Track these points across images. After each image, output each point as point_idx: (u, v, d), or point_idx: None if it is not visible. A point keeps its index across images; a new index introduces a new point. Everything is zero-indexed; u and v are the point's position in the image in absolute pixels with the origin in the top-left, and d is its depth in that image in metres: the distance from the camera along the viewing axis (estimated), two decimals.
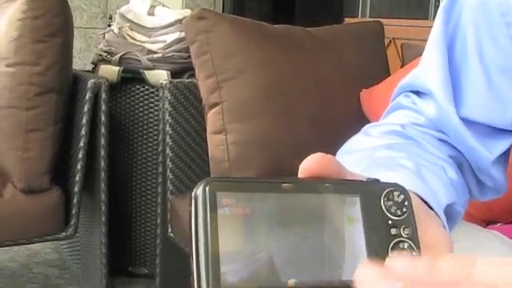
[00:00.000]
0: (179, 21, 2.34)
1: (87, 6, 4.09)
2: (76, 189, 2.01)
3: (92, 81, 2.00)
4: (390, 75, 2.21)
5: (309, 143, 1.86)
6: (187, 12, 2.41)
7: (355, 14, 4.45)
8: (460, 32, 0.68)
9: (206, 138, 1.89)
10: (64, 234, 2.01)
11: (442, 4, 0.70)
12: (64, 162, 2.03)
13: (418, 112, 0.70)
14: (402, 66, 2.58)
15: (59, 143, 1.97)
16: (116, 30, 2.39)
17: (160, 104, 2.02)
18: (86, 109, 1.98)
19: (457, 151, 0.68)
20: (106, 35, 2.44)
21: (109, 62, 2.34)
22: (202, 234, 0.32)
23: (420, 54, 0.73)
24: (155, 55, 2.31)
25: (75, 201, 2.01)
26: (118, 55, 2.32)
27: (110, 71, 2.30)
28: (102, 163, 2.06)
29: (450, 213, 0.59)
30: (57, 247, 2.69)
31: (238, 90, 1.85)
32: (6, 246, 2.02)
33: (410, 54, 2.50)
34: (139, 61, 2.30)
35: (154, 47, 2.34)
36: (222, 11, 4.39)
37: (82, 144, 1.99)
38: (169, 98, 1.96)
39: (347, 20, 3.96)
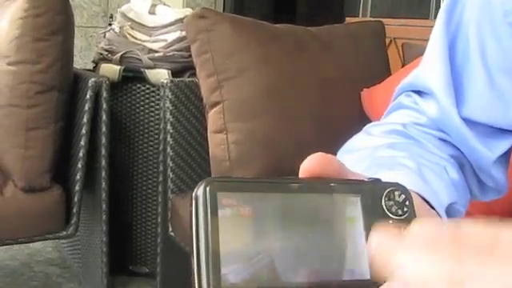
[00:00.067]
0: (180, 20, 2.34)
1: (88, 5, 4.08)
2: (77, 187, 2.01)
3: (93, 80, 2.00)
4: (390, 75, 2.21)
5: (310, 142, 1.87)
6: (188, 11, 2.41)
7: (356, 14, 4.45)
8: (462, 31, 0.68)
9: (206, 137, 1.89)
10: (65, 232, 2.02)
11: (444, 4, 0.70)
12: (65, 161, 2.03)
13: (419, 112, 0.70)
14: (402, 66, 2.58)
15: (60, 142, 1.97)
16: (117, 29, 2.39)
17: (161, 103, 2.02)
18: (86, 108, 1.98)
19: (458, 151, 0.68)
20: (107, 34, 2.44)
21: (110, 61, 2.34)
22: (203, 235, 0.32)
23: (421, 54, 0.73)
24: (156, 54, 2.31)
25: (76, 199, 2.01)
26: (119, 54, 2.32)
27: (111, 70, 2.30)
28: (103, 162, 2.06)
29: (451, 212, 0.59)
30: (57, 246, 2.69)
31: (239, 89, 1.85)
32: (7, 245, 2.02)
33: (411, 53, 2.51)
34: (140, 60, 2.30)
35: (154, 46, 2.34)
36: (223, 10, 4.39)
37: (82, 143, 1.99)
38: (170, 97, 1.96)
39: (348, 19, 3.96)
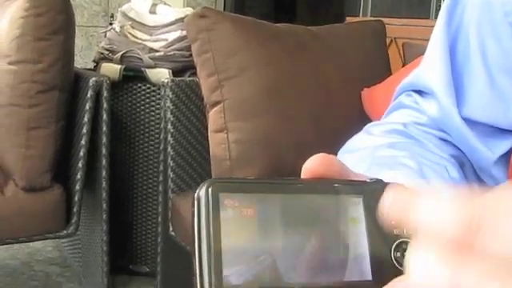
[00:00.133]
0: (181, 19, 2.34)
1: (88, 5, 4.09)
2: (77, 187, 2.01)
3: (94, 79, 2.00)
4: (391, 74, 2.21)
5: (310, 142, 1.87)
6: (189, 10, 2.41)
7: (356, 13, 4.45)
8: (462, 32, 0.68)
9: (207, 136, 1.89)
10: (65, 232, 2.02)
11: (445, 4, 0.70)
12: (65, 160, 2.03)
13: (419, 111, 0.70)
14: (403, 66, 2.58)
15: (61, 141, 1.97)
16: (117, 29, 2.39)
17: (161, 102, 2.03)
18: (87, 107, 1.98)
19: (459, 151, 0.68)
20: (108, 33, 2.45)
21: (110, 61, 2.34)
22: (205, 236, 0.32)
23: (421, 54, 0.73)
24: (157, 53, 2.31)
25: (76, 199, 2.01)
26: (120, 53, 2.32)
27: (112, 69, 2.30)
28: (104, 161, 2.06)
29: None
30: (58, 245, 2.69)
31: (240, 88, 1.85)
32: (7, 244, 2.02)
33: (412, 53, 2.51)
34: (141, 59, 2.30)
35: (155, 45, 2.35)
36: (223, 10, 4.39)
37: (83, 142, 1.99)
38: (170, 96, 1.96)
39: (348, 19, 3.96)
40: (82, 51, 3.93)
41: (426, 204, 0.29)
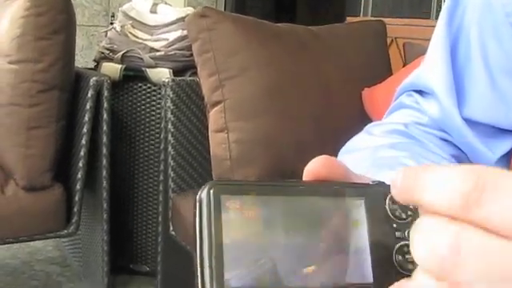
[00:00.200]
0: (181, 19, 2.34)
1: (89, 4, 4.09)
2: (78, 186, 2.01)
3: (94, 78, 2.00)
4: (391, 74, 2.21)
5: (311, 142, 1.87)
6: (189, 10, 2.41)
7: (357, 13, 4.45)
8: (463, 32, 0.68)
9: (207, 136, 1.89)
10: (66, 231, 2.02)
11: (445, 4, 0.71)
12: (66, 160, 2.03)
13: (420, 111, 0.70)
14: (404, 66, 2.58)
15: (61, 141, 1.97)
16: (118, 28, 2.39)
17: (162, 102, 2.03)
18: (88, 106, 1.98)
19: (459, 151, 0.68)
20: (109, 33, 2.45)
21: (111, 60, 2.34)
22: (207, 238, 0.32)
23: (422, 54, 0.73)
24: (157, 53, 2.31)
25: (77, 198, 2.01)
26: (121, 53, 2.32)
27: (112, 69, 2.30)
28: (104, 161, 2.06)
29: None
30: (58, 245, 2.69)
31: (241, 88, 1.85)
32: (8, 244, 2.02)
33: (412, 53, 2.51)
34: (141, 59, 2.30)
35: (156, 45, 2.35)
36: (224, 9, 4.40)
37: (84, 142, 1.99)
38: (171, 96, 1.96)
39: (349, 19, 3.96)
40: (82, 51, 3.93)
41: (431, 177, 0.29)
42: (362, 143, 0.68)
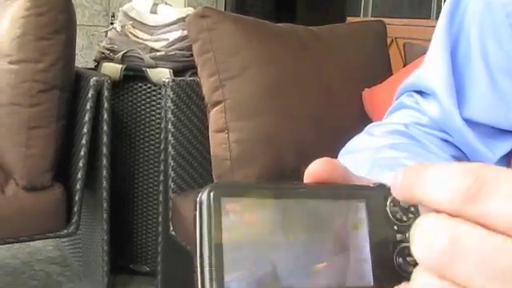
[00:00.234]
0: (182, 19, 2.34)
1: (89, 4, 4.09)
2: (78, 186, 2.01)
3: (94, 78, 2.00)
4: (392, 74, 2.21)
5: (311, 142, 1.87)
6: (190, 10, 2.41)
7: (357, 13, 4.45)
8: (464, 33, 0.68)
9: (208, 136, 1.89)
10: (66, 231, 2.02)
11: (446, 4, 0.71)
12: (66, 160, 2.03)
13: (421, 112, 0.70)
14: (404, 66, 2.58)
15: (61, 140, 1.97)
16: (118, 28, 2.39)
17: (162, 102, 2.03)
18: (88, 106, 1.98)
19: (460, 152, 0.68)
20: (109, 33, 2.45)
21: (111, 60, 2.34)
22: (207, 241, 0.32)
23: (422, 54, 0.73)
24: (158, 53, 2.31)
25: (77, 198, 2.01)
26: (121, 53, 2.32)
27: (113, 69, 2.30)
28: (104, 161, 2.06)
29: None
30: (58, 244, 2.69)
31: (241, 88, 1.85)
32: (8, 244, 2.02)
33: (413, 53, 2.51)
34: (142, 59, 2.30)
35: (156, 45, 2.35)
36: (224, 9, 4.40)
37: (84, 141, 1.99)
38: (171, 96, 1.97)
39: (349, 19, 3.96)
40: (82, 50, 3.93)
41: (431, 174, 0.29)
42: (363, 144, 0.68)
